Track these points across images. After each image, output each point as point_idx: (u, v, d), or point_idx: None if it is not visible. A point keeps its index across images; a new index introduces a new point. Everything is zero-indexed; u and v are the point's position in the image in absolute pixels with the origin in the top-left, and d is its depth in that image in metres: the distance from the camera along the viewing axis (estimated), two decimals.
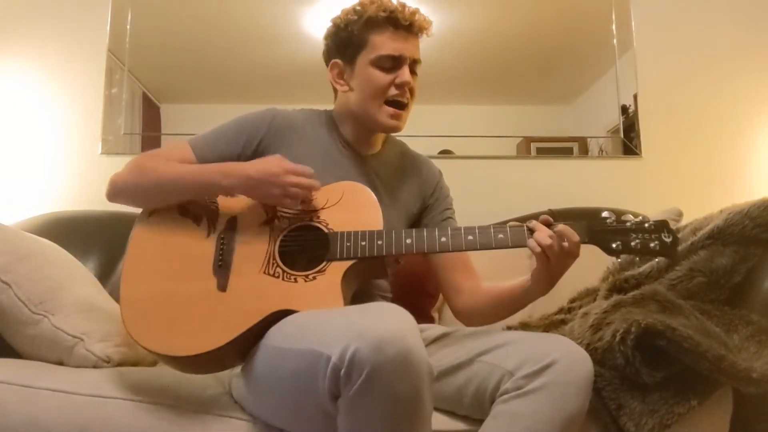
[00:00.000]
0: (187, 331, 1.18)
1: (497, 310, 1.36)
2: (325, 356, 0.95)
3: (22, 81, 2.38)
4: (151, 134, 2.43)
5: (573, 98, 2.52)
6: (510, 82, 2.50)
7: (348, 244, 1.23)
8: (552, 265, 1.18)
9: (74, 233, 1.93)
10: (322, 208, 1.29)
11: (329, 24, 1.42)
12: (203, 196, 1.31)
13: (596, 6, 2.50)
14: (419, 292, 1.87)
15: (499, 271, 1.36)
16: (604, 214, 1.22)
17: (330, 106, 1.48)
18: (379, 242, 1.23)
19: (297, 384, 1.04)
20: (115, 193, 1.33)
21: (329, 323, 1.03)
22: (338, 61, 1.39)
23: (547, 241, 1.16)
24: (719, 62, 2.49)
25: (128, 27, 2.40)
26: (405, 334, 0.94)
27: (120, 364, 1.41)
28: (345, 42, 1.37)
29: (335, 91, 1.45)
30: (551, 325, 1.54)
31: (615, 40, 2.48)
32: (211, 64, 2.43)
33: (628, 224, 1.20)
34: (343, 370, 0.92)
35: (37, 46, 2.39)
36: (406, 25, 1.34)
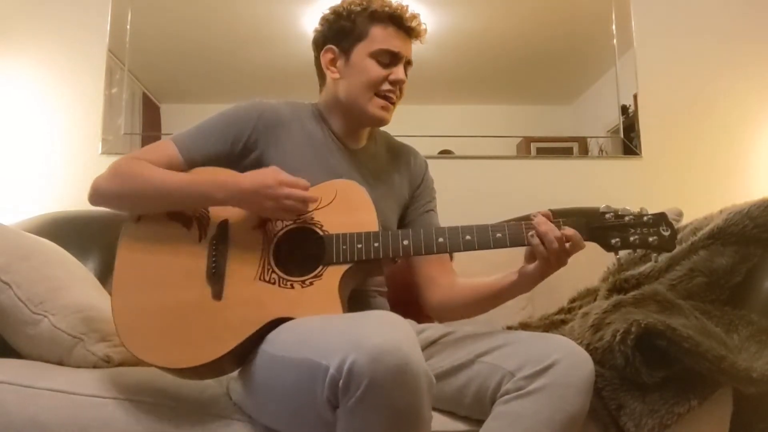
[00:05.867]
0: (184, 342, 1.17)
1: (474, 305, 1.36)
2: (323, 367, 0.95)
3: (22, 81, 2.38)
4: (151, 134, 2.43)
5: (573, 98, 2.52)
6: (510, 82, 2.49)
7: (344, 247, 1.21)
8: (550, 264, 1.18)
9: (74, 233, 1.93)
10: (316, 209, 1.26)
11: (327, 11, 1.40)
12: (194, 207, 1.28)
13: (596, 6, 2.50)
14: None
15: (502, 266, 1.35)
16: (602, 208, 1.21)
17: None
18: (376, 244, 1.21)
19: (296, 393, 1.04)
20: (97, 198, 1.29)
21: (327, 332, 1.03)
22: (333, 47, 1.38)
23: (555, 245, 1.15)
24: (719, 62, 2.49)
25: (128, 27, 2.40)
26: (403, 344, 0.93)
27: (120, 364, 1.41)
28: (345, 30, 1.36)
29: (322, 80, 1.44)
30: (551, 325, 1.54)
31: (615, 40, 2.48)
32: (211, 64, 2.43)
33: (627, 219, 1.20)
34: (341, 382, 0.92)
35: (37, 46, 2.39)
36: (407, 27, 1.36)
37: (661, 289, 1.36)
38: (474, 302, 1.35)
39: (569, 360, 1.08)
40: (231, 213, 1.28)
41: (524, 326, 1.58)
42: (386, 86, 1.35)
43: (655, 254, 1.22)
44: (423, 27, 1.38)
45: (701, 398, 1.20)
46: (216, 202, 1.26)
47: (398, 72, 1.35)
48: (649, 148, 2.42)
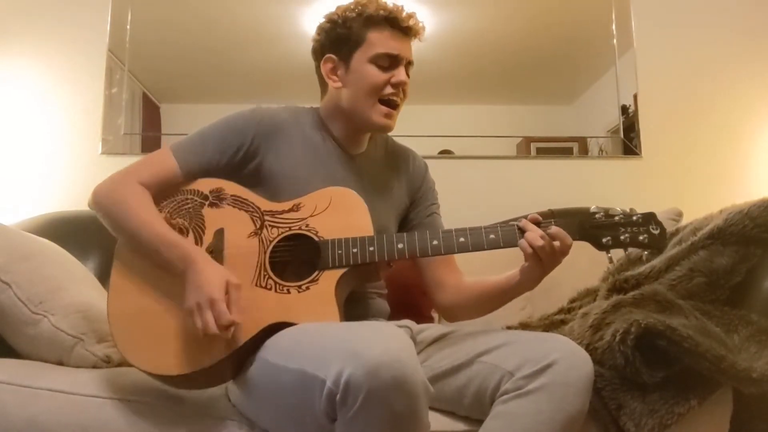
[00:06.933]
0: (180, 348, 1.17)
1: (482, 305, 1.36)
2: (320, 379, 0.95)
3: (22, 81, 2.38)
4: (151, 134, 2.43)
5: (573, 98, 2.52)
6: (510, 82, 2.49)
7: (339, 251, 1.21)
8: (543, 263, 1.18)
9: (74, 233, 1.93)
10: (311, 216, 1.26)
11: (323, 20, 1.39)
12: (156, 261, 1.23)
13: (596, 6, 2.50)
14: (417, 292, 1.87)
15: (499, 264, 1.35)
16: (592, 209, 1.22)
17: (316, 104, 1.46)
18: (371, 248, 1.21)
19: (293, 401, 1.04)
20: (93, 206, 1.31)
21: (324, 342, 1.03)
22: (332, 56, 1.37)
23: (539, 242, 1.16)
24: (719, 62, 2.49)
25: (128, 27, 2.40)
26: (400, 356, 0.93)
27: (120, 365, 1.41)
28: (342, 38, 1.35)
29: (323, 88, 1.43)
30: (551, 325, 1.54)
31: (615, 40, 2.48)
32: (211, 64, 2.43)
33: (617, 218, 1.21)
34: (338, 395, 0.92)
35: (37, 46, 2.39)
36: (404, 27, 1.34)
37: (661, 289, 1.36)
38: (482, 301, 1.36)
39: (568, 360, 1.08)
40: (226, 220, 1.28)
41: (524, 326, 1.58)
42: (388, 90, 1.33)
43: (645, 252, 1.23)
44: (421, 25, 1.37)
45: (701, 398, 1.20)
46: (173, 269, 1.20)
47: (399, 74, 1.34)
48: (649, 148, 2.42)
